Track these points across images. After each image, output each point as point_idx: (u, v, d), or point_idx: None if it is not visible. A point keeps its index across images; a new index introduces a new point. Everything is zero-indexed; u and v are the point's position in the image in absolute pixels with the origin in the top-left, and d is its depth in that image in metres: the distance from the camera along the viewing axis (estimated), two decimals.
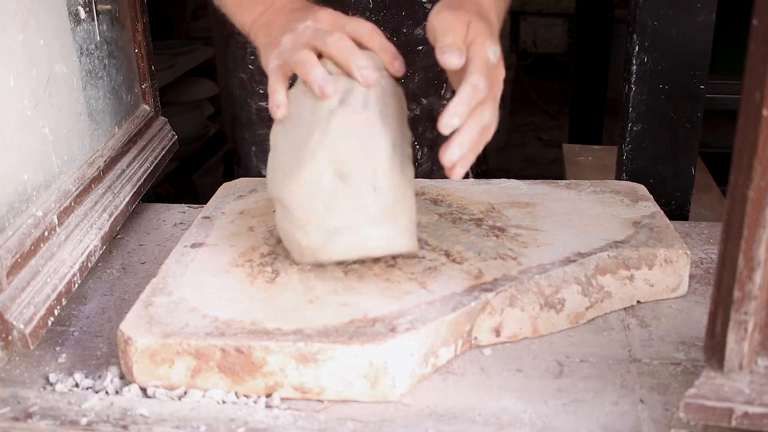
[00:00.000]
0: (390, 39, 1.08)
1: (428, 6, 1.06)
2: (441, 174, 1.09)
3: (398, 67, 0.73)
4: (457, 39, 0.69)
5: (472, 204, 0.87)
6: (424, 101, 1.13)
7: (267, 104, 1.11)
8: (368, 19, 1.08)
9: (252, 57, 1.11)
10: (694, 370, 0.66)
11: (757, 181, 0.49)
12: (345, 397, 0.63)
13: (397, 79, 0.78)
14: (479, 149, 0.69)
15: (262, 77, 1.11)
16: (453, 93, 1.09)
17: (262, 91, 1.12)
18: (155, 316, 0.66)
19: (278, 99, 0.72)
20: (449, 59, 0.68)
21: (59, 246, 0.75)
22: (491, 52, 0.69)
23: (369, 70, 0.69)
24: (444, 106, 0.79)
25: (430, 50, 1.08)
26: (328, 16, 0.74)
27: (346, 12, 1.06)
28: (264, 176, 0.88)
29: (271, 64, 0.74)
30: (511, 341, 0.71)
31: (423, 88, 1.12)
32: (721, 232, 0.52)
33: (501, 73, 0.71)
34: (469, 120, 0.66)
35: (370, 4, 1.08)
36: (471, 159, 0.68)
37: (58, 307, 0.72)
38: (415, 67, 1.08)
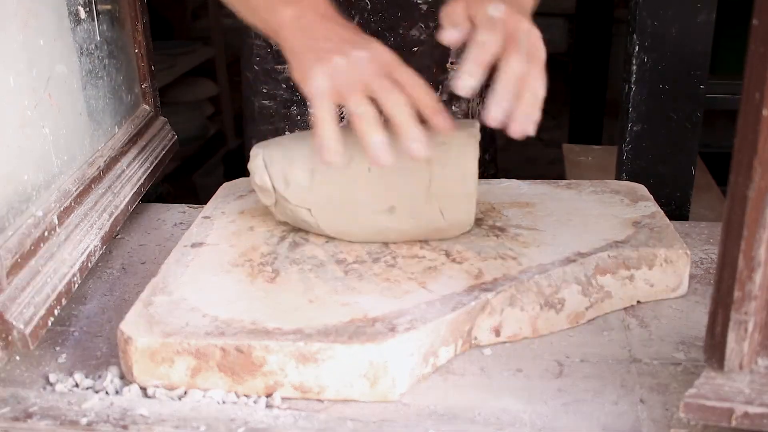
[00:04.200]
0: (386, 40, 1.08)
1: (423, 7, 1.06)
2: None
3: (440, 122, 0.71)
4: (453, 16, 0.71)
5: None
6: None
7: (269, 103, 1.13)
8: (366, 20, 1.08)
9: (257, 58, 1.13)
10: (694, 370, 0.66)
11: (757, 181, 0.49)
12: (345, 397, 0.63)
13: None
14: (533, 103, 0.68)
15: (266, 77, 1.13)
16: (449, 95, 1.09)
17: (265, 91, 1.14)
18: (155, 316, 0.66)
19: (331, 144, 0.69)
20: (445, 38, 0.72)
21: (59, 246, 0.75)
22: (492, 8, 0.69)
23: (418, 144, 0.68)
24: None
25: (424, 51, 1.08)
26: (382, 54, 0.71)
27: (349, 12, 1.07)
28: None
29: (316, 82, 0.69)
30: (511, 341, 0.71)
31: None
32: (721, 232, 0.52)
33: (520, 23, 0.69)
34: (499, 76, 0.67)
35: (368, 5, 1.09)
36: (530, 113, 0.68)
37: (58, 307, 0.72)
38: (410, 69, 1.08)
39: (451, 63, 1.09)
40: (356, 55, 0.69)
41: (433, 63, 1.08)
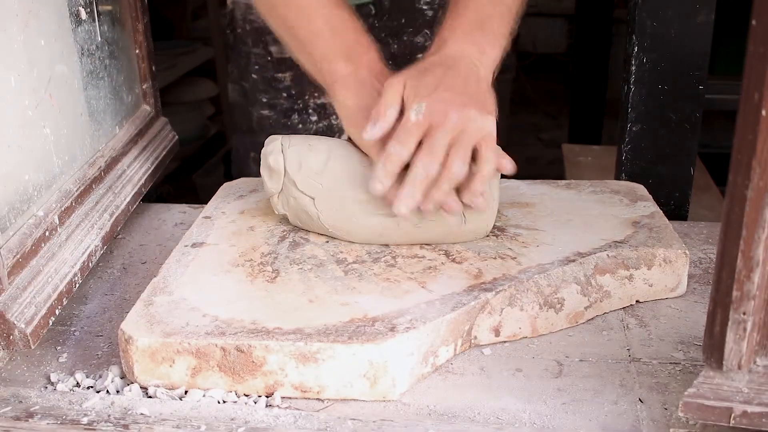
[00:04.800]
0: (390, 46, 1.08)
1: (429, 13, 1.05)
2: None
3: (507, 166, 0.77)
4: (380, 105, 0.73)
5: None
6: None
7: (268, 112, 1.12)
8: (370, 25, 1.08)
9: (256, 67, 1.12)
10: (693, 370, 0.66)
11: (755, 181, 0.49)
12: (345, 397, 0.63)
13: None
14: (443, 195, 0.72)
15: (266, 87, 1.11)
16: None
17: (264, 100, 1.12)
18: (156, 316, 0.66)
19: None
20: (366, 135, 0.73)
21: (60, 246, 0.76)
22: (414, 112, 0.71)
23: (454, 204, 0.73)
24: None
25: None
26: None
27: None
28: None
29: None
30: (511, 341, 0.71)
31: None
32: (720, 232, 0.52)
33: (445, 118, 0.71)
34: (406, 177, 0.71)
35: (372, 10, 1.08)
36: (443, 202, 0.72)
37: (59, 307, 0.72)
38: None
39: None
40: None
41: None
